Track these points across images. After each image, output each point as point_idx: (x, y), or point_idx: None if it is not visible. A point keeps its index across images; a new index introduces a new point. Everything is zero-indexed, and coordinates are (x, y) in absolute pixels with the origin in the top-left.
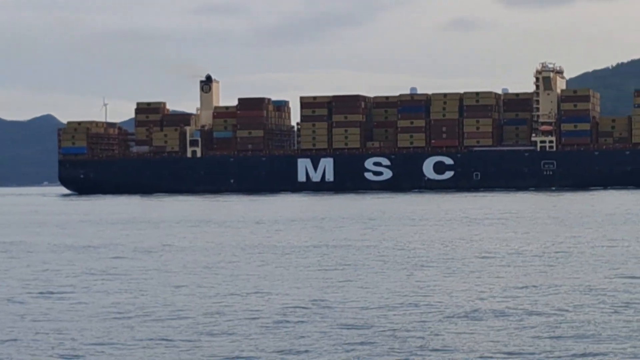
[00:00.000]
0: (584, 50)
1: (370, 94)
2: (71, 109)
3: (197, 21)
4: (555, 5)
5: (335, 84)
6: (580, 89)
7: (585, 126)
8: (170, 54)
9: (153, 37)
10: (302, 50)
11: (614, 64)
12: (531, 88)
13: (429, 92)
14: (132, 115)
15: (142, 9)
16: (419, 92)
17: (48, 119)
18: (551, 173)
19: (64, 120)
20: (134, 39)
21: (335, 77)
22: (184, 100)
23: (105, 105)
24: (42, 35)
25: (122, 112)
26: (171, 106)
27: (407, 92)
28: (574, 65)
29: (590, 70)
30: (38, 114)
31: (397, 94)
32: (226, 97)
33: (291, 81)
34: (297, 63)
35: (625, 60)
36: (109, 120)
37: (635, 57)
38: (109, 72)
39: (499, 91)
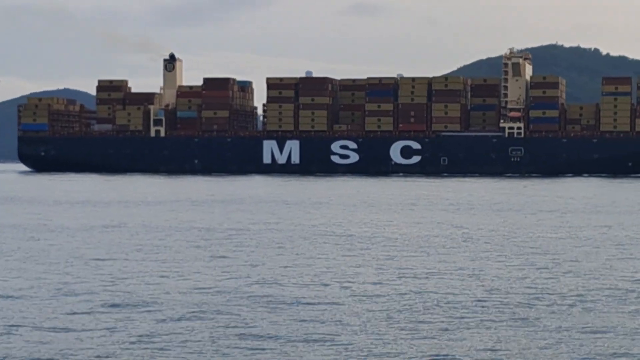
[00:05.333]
0: (479, 37)
1: (267, 75)
2: None
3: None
4: None
5: (230, 67)
6: (549, 75)
7: (554, 113)
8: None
9: (57, 12)
10: (198, 31)
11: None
12: (430, 73)
13: (326, 75)
14: (24, 92)
15: None
16: (314, 75)
17: None
18: (519, 159)
19: None
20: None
21: (230, 60)
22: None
23: None
24: None
25: (14, 90)
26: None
27: (303, 75)
28: (470, 52)
29: (484, 57)
30: None
31: (291, 77)
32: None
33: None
34: (194, 44)
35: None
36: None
37: (530, 45)
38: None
39: (395, 76)
